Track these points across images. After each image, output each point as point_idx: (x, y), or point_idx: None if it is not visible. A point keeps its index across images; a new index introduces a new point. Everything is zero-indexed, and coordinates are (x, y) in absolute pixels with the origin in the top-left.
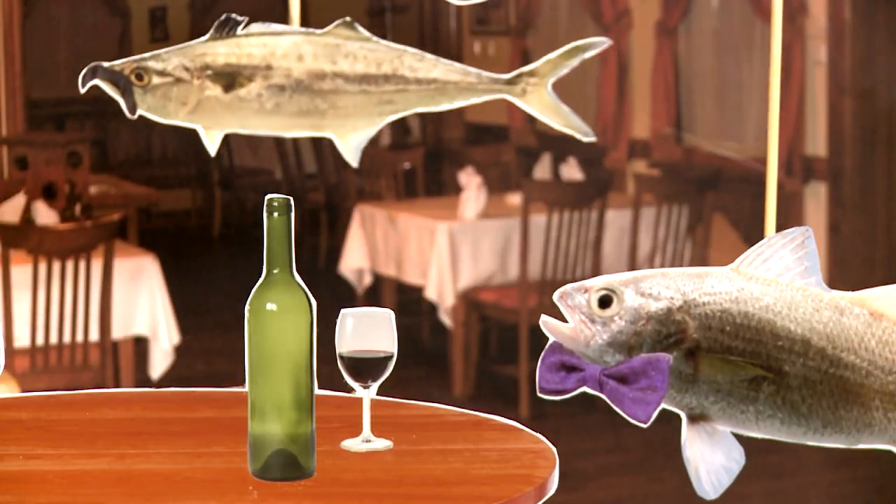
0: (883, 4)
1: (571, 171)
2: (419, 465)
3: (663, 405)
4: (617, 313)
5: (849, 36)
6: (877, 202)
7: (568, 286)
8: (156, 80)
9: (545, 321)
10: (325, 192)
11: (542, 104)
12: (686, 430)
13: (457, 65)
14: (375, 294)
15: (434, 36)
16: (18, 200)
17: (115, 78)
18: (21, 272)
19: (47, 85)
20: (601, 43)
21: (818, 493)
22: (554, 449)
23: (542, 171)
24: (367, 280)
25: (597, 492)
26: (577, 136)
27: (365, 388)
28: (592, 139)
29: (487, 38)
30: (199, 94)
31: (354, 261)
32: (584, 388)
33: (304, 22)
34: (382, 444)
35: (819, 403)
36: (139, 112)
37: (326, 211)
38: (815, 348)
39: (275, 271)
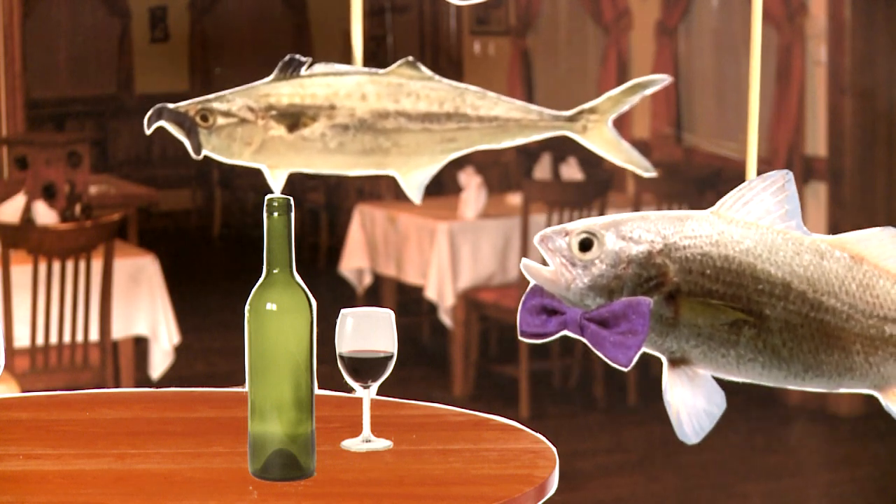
0: (883, 4)
1: (571, 171)
2: (419, 465)
3: (644, 349)
4: (597, 256)
5: (849, 36)
6: (877, 202)
7: (548, 229)
8: (220, 120)
9: (526, 264)
10: (325, 192)
11: (603, 140)
12: (667, 375)
13: (517, 102)
14: (375, 294)
15: (434, 36)
16: (18, 200)
17: (181, 119)
18: (21, 272)
19: (47, 85)
20: (661, 80)
21: (818, 493)
22: (554, 449)
23: (542, 171)
24: (367, 280)
25: (597, 492)
26: (639, 171)
27: (365, 388)
28: (653, 174)
29: (487, 38)
30: (264, 134)
31: (354, 261)
32: (566, 332)
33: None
34: (382, 444)
35: (800, 347)
36: (204, 152)
37: (326, 211)
38: (796, 292)
39: (275, 271)
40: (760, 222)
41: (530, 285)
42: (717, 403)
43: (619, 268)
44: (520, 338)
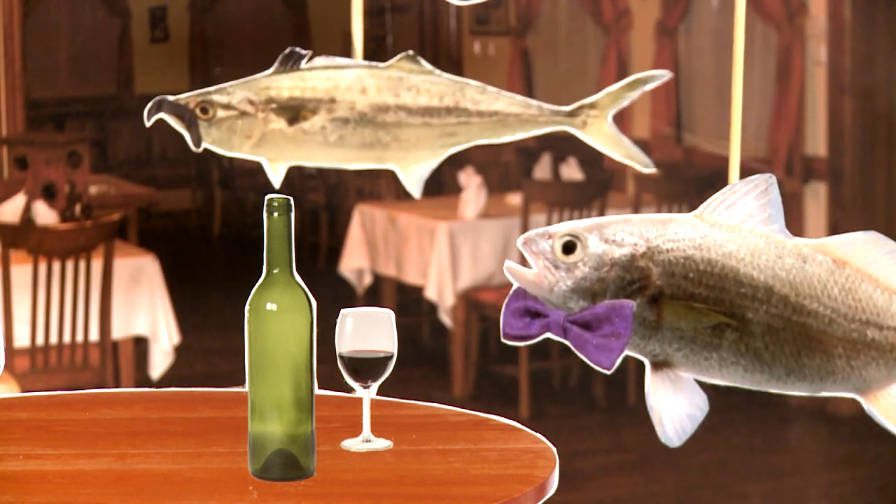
0: (883, 4)
1: (571, 171)
2: (419, 465)
3: (627, 352)
4: (581, 259)
5: (849, 36)
6: (877, 202)
7: (531, 232)
8: (221, 113)
9: (509, 266)
10: (325, 192)
11: (602, 135)
12: (649, 378)
13: (517, 97)
14: (375, 294)
15: (434, 36)
16: (18, 200)
17: (181, 111)
18: (21, 272)
19: (47, 85)
20: (662, 75)
21: (818, 493)
22: (554, 449)
23: (542, 171)
24: (367, 280)
25: (597, 492)
26: (638, 167)
27: (365, 388)
28: (652, 170)
29: (487, 38)
30: (264, 127)
31: (354, 261)
32: (549, 335)
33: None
34: (382, 444)
35: (782, 351)
36: (204, 145)
37: (326, 211)
38: (778, 295)
39: (275, 271)
40: (743, 226)
41: (513, 287)
42: (699, 406)
43: (602, 271)
44: (503, 340)
